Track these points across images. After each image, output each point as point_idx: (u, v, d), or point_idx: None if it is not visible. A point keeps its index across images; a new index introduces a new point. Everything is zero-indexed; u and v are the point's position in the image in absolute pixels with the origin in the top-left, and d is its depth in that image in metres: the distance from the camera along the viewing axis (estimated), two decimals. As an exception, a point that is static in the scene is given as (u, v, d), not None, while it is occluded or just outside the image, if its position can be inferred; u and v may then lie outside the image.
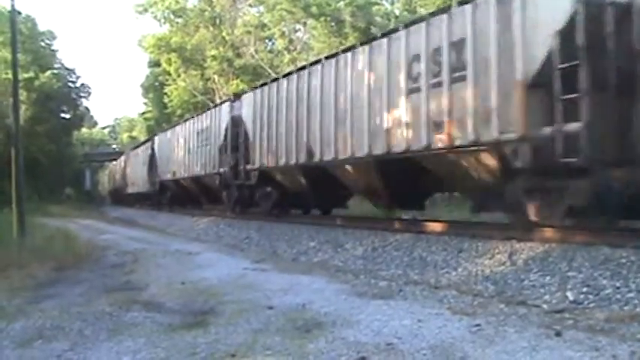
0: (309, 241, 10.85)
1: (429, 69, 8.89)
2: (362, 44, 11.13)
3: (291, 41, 33.49)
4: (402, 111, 9.51)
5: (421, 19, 9.49)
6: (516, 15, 7.39)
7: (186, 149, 21.66)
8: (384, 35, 10.45)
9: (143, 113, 53.79)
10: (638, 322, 4.45)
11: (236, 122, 16.27)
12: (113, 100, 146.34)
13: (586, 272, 5.89)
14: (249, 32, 34.22)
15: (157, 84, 44.12)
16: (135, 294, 6.12)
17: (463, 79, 8.21)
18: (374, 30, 26.19)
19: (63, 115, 43.91)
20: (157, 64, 41.37)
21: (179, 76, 37.72)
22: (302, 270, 7.99)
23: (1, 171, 17.48)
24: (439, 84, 8.66)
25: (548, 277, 6.04)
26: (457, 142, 8.38)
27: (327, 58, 12.17)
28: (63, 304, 5.65)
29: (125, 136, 72.59)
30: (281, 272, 7.65)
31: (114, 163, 44.04)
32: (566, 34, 6.72)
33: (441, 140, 8.67)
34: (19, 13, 33.37)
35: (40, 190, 32.18)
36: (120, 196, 38.05)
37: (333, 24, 29.80)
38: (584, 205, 6.86)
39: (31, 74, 35.68)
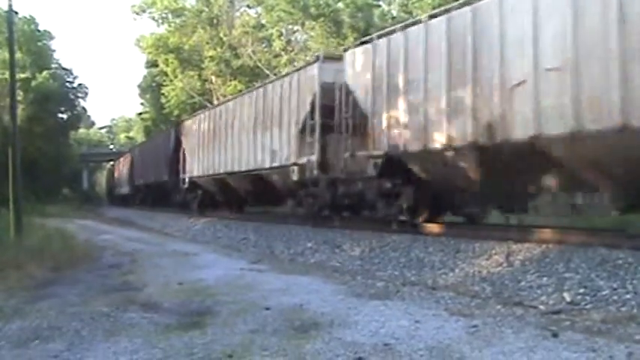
0: (306, 241, 10.85)
1: None
2: None
3: (289, 42, 33.47)
4: None
5: None
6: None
7: (237, 136, 16.74)
8: None
9: (140, 114, 53.71)
10: (635, 323, 4.46)
11: (330, 92, 11.69)
12: (110, 101, 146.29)
13: (583, 273, 5.90)
14: (247, 33, 34.18)
15: (154, 84, 43.97)
16: (132, 294, 6.11)
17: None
18: (372, 31, 26.10)
19: (60, 115, 43.80)
20: (155, 64, 41.23)
21: (176, 76, 37.60)
22: (299, 271, 8.00)
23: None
24: None
25: (545, 278, 6.05)
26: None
27: None
28: (60, 304, 5.64)
29: (122, 136, 72.53)
30: (278, 273, 7.65)
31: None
32: None
33: None
34: (16, 13, 33.30)
35: (38, 191, 32.07)
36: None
37: (331, 25, 29.77)
38: None
39: (28, 74, 35.59)
